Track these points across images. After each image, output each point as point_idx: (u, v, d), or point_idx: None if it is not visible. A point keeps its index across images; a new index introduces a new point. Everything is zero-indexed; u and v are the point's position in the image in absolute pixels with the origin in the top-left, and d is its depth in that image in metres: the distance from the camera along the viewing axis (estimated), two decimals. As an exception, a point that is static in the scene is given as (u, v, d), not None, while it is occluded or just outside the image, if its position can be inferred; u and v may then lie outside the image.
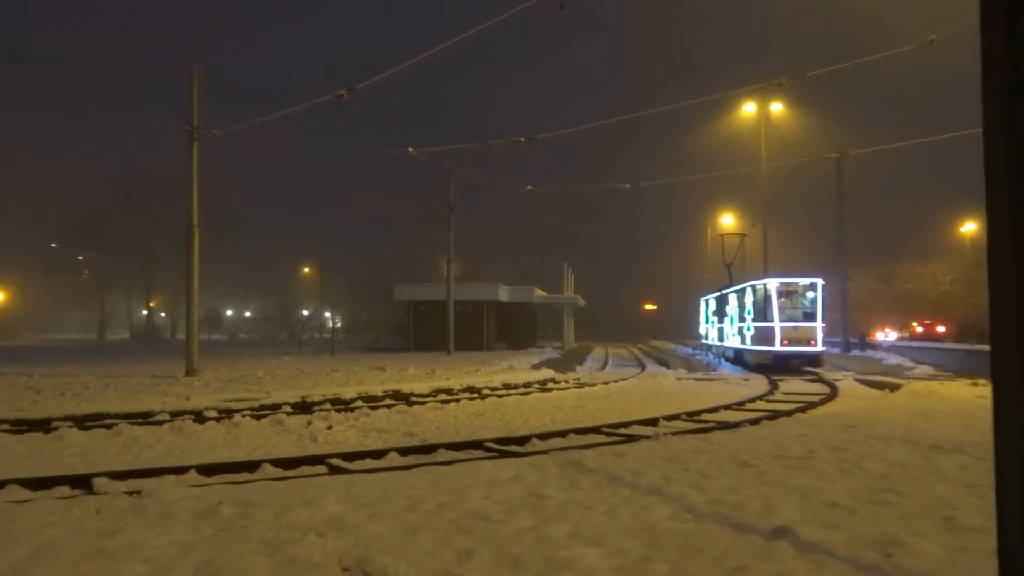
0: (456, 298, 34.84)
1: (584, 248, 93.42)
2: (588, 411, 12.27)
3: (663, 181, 37.06)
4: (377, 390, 14.58)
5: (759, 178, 37.18)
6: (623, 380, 19.22)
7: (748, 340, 24.71)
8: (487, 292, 40.14)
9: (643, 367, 26.56)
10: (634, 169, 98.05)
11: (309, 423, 10.73)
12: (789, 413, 11.37)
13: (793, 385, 17.38)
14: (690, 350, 38.05)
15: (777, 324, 22.32)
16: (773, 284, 22.77)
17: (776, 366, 22.05)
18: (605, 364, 29.92)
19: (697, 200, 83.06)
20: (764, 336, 22.86)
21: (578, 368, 26.08)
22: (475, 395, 14.81)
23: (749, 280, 25.49)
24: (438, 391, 15.30)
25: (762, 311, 23.18)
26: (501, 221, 78.26)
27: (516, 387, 17.05)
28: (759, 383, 18.14)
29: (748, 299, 24.91)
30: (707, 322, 35.80)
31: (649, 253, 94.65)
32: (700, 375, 21.16)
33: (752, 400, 13.66)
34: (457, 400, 13.75)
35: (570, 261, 52.62)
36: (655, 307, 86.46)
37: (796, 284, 22.97)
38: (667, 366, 26.16)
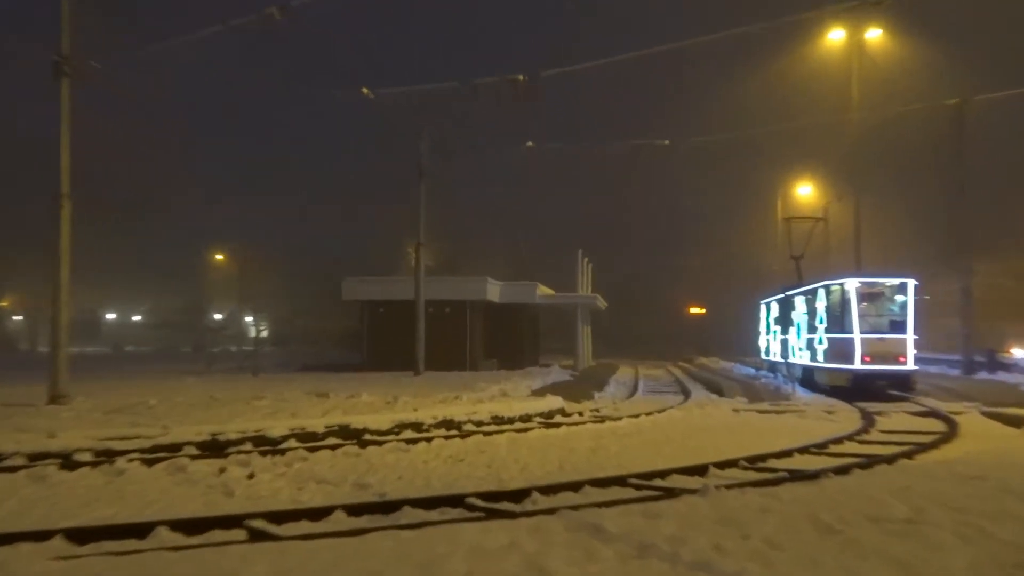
0: (428, 297, 34.88)
1: (606, 231, 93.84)
2: (610, 455, 12.30)
3: (713, 137, 37.04)
4: (318, 424, 14.56)
5: (847, 134, 37.29)
6: (659, 412, 19.27)
7: (819, 356, 25.46)
8: (472, 290, 40.15)
9: (687, 394, 26.66)
10: (674, 124, 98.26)
11: (223, 470, 10.71)
12: (889, 459, 11.42)
13: (895, 420, 17.44)
14: (752, 370, 38.22)
15: (857, 335, 23.12)
16: (852, 284, 23.58)
17: (855, 389, 22.70)
18: (634, 389, 29.96)
19: (761, 165, 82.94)
20: (840, 351, 23.68)
21: (597, 395, 26.12)
22: (454, 432, 14.84)
23: (821, 279, 26.22)
24: (402, 426, 15.30)
25: (838, 319, 24.04)
26: (492, 193, 78.55)
27: (511, 421, 17.06)
28: (847, 416, 18.20)
29: (820, 303, 25.66)
30: (768, 332, 36.88)
31: (695, 237, 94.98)
32: (766, 405, 21.27)
33: (838, 440, 13.74)
34: (429, 439, 13.76)
35: (587, 249, 52.76)
36: (703, 311, 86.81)
37: (881, 284, 23.76)
38: (720, 392, 26.25)
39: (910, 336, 23.07)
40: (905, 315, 23.21)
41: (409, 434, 14.53)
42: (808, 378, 26.76)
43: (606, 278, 66.16)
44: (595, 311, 54.69)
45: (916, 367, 23.58)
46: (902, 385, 22.87)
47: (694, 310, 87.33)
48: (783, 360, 31.61)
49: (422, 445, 13.11)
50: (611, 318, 74.17)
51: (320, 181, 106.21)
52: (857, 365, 22.91)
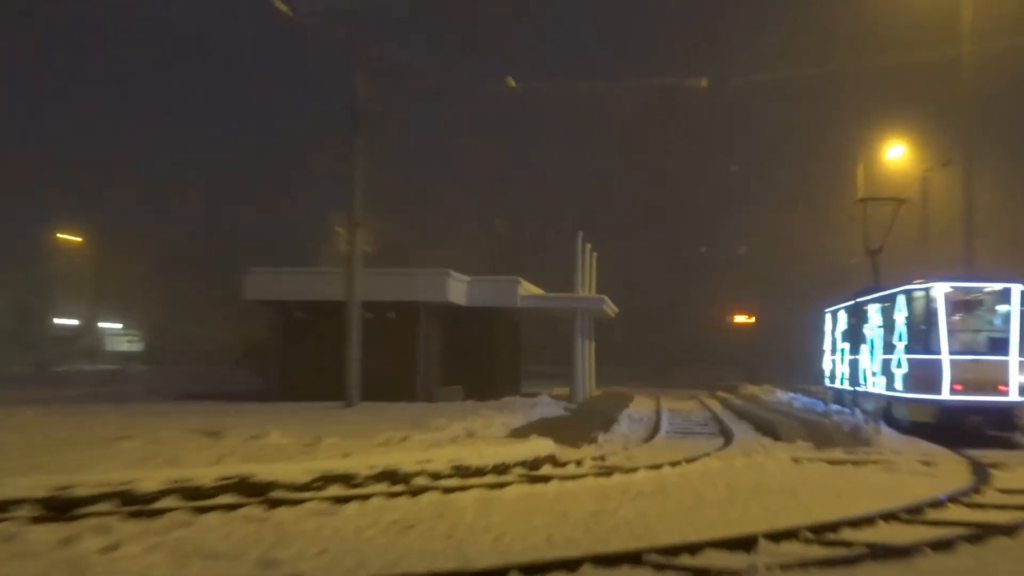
0: (367, 298, 34.94)
1: (618, 209, 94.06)
2: (620, 522, 12.30)
3: (767, 76, 37.22)
4: (206, 476, 14.44)
5: (955, 74, 37.43)
6: (689, 461, 19.25)
7: (898, 383, 26.32)
8: (427, 287, 40.00)
9: (728, 436, 26.76)
10: (716, 58, 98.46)
11: (71, 540, 10.60)
12: (1008, 529, 11.51)
13: (1019, 475, 17.59)
14: (819, 403, 38.45)
15: (945, 357, 23.99)
16: (940, 290, 24.53)
17: (942, 426, 23.56)
18: (655, 429, 29.96)
19: (835, 119, 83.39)
20: (923, 377, 24.60)
21: (602, 437, 26.08)
22: (399, 488, 14.81)
23: (904, 283, 27.13)
24: (327, 479, 15.19)
25: (921, 335, 25.01)
26: (459, 153, 78.39)
27: (480, 473, 17.00)
28: (952, 469, 18.32)
29: (899, 315, 26.56)
30: (834, 351, 37.91)
31: (742, 219, 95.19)
32: (839, 453, 21.39)
33: (939, 503, 13.84)
34: (364, 497, 13.72)
35: (590, 232, 52.75)
36: (751, 320, 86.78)
37: (978, 291, 24.83)
38: (774, 434, 26.30)
39: (1015, 358, 23.90)
40: (1007, 330, 24.07)
41: (337, 490, 14.44)
42: (885, 412, 27.53)
43: (618, 274, 66.21)
44: (602, 319, 54.66)
45: (1022, 399, 24.37)
46: (1003, 422, 23.83)
47: (739, 319, 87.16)
48: (852, 386, 32.54)
49: (355, 506, 13.06)
50: (624, 330, 74.45)
51: (215, 134, 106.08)
52: (945, 395, 23.76)
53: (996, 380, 23.72)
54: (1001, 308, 24.19)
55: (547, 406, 36.19)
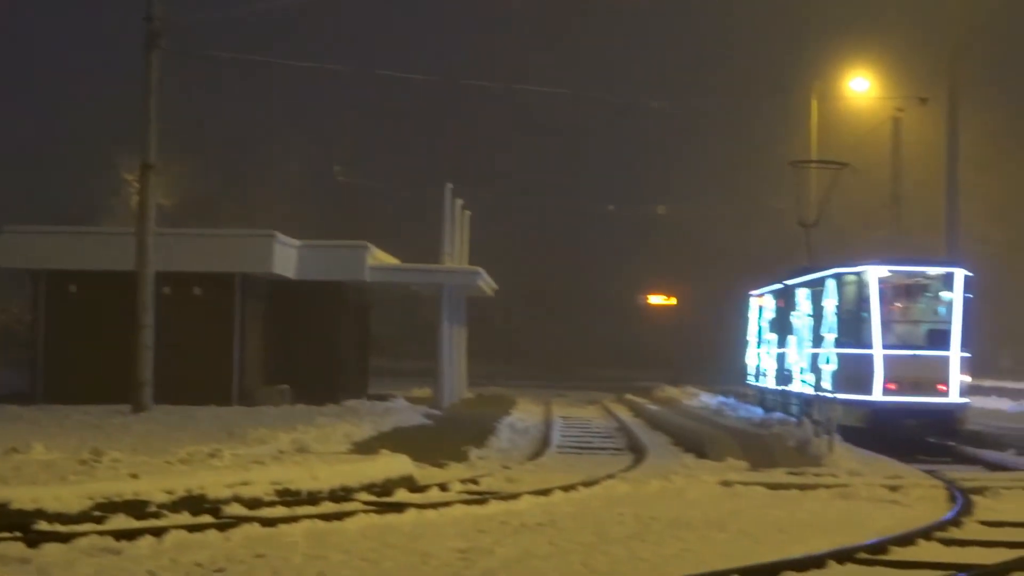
0: (165, 268, 34.75)
1: (497, 157, 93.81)
2: (496, 565, 12.32)
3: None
4: (-56, 504, 14.23)
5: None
6: (587, 485, 19.40)
7: (825, 380, 27.87)
8: (243, 254, 39.74)
9: (639, 452, 27.06)
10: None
11: None
12: (997, 574, 11.75)
13: (1007, 503, 17.97)
14: (758, 410, 39.05)
15: (878, 351, 25.68)
16: (873, 274, 26.22)
17: (875, 431, 25.20)
18: (544, 444, 30.23)
19: (785, 35, 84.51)
20: (853, 374, 26.37)
21: (475, 452, 26.14)
22: (206, 519, 14.73)
23: (837, 263, 29.06)
24: (110, 506, 15.02)
25: (852, 326, 26.78)
26: (284, 81, 77.43)
27: (314, 500, 17.01)
28: (924, 495, 18.72)
29: (828, 302, 28.24)
30: (760, 344, 40.07)
31: (662, 175, 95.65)
32: (780, 474, 21.77)
33: (906, 538, 14.04)
34: (159, 531, 13.58)
35: (462, 187, 52.70)
36: (673, 301, 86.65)
37: (918, 275, 27.02)
38: (700, 450, 26.66)
39: (955, 353, 25.66)
40: (950, 321, 25.85)
41: (122, 522, 14.27)
42: (810, 416, 28.38)
43: (499, 241, 66.53)
44: (477, 300, 54.87)
45: (965, 400, 26.44)
46: (943, 427, 25.88)
47: (657, 299, 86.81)
48: (776, 385, 34.68)
49: (147, 543, 12.90)
50: (506, 314, 74.62)
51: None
52: (877, 396, 25.46)
53: (935, 378, 25.50)
54: (943, 296, 25.95)
55: (404, 413, 36.28)
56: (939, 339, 26.03)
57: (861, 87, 52.34)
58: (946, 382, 25.60)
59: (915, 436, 25.87)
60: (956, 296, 26.08)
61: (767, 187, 69.04)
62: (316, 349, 43.06)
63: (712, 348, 70.03)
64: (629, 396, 55.47)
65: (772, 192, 66.22)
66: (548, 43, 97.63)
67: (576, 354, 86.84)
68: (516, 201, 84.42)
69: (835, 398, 26.03)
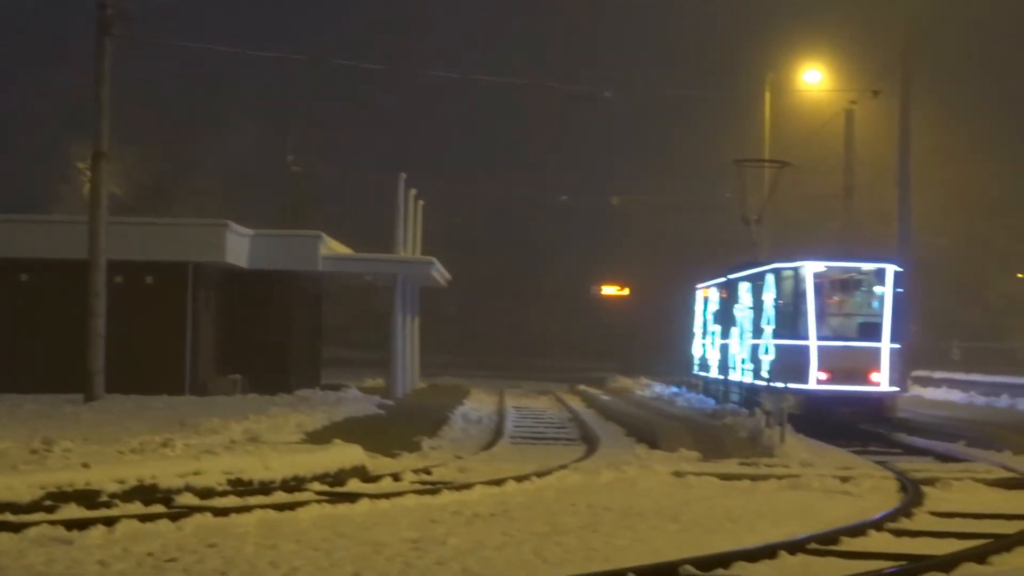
0: (116, 256, 34.58)
1: (451, 146, 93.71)
2: (448, 555, 12.32)
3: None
4: None
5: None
6: (540, 476, 19.44)
7: (764, 370, 30.38)
8: (198, 243, 39.57)
9: (591, 442, 27.23)
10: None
11: None
12: (945, 563, 11.76)
13: (958, 493, 18.14)
14: (711, 401, 39.29)
15: (813, 343, 27.77)
16: (809, 270, 28.36)
17: (810, 419, 26.56)
18: (497, 434, 30.34)
19: (740, 27, 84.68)
20: (790, 364, 28.41)
21: (428, 442, 26.15)
22: (158, 509, 14.71)
23: (771, 261, 31.40)
24: (61, 496, 14.99)
25: (788, 319, 29.00)
26: (238, 68, 77.23)
27: (267, 490, 17.02)
28: (875, 486, 18.93)
29: (767, 295, 30.43)
30: (704, 335, 42.44)
31: (614, 160, 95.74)
32: (733, 464, 21.93)
33: (857, 529, 14.16)
34: (110, 520, 13.51)
35: (415, 176, 52.58)
36: (626, 292, 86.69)
37: (852, 270, 29.45)
38: (652, 440, 26.73)
39: (886, 344, 27.74)
40: (882, 314, 27.94)
41: (74, 511, 14.24)
42: (751, 404, 30.75)
43: (451, 230, 66.35)
44: (429, 289, 54.75)
45: (895, 388, 28.50)
46: (874, 414, 28.02)
47: (610, 290, 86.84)
48: (719, 375, 37.11)
49: (98, 533, 12.85)
50: (459, 304, 74.59)
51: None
52: (811, 385, 27.31)
53: (866, 368, 27.46)
54: (876, 290, 28.01)
55: (356, 402, 36.25)
56: (871, 331, 28.01)
57: (814, 79, 52.65)
58: (876, 369, 27.60)
59: (848, 422, 27.73)
60: (887, 291, 27.85)
61: (721, 178, 69.09)
62: (269, 339, 42.99)
63: (664, 339, 70.19)
64: (582, 387, 55.62)
65: (726, 183, 66.28)
66: (503, 31, 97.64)
67: (529, 345, 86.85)
68: (469, 190, 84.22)
69: (773, 386, 28.57)
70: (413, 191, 51.51)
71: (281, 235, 44.50)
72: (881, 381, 27.78)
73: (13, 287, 38.80)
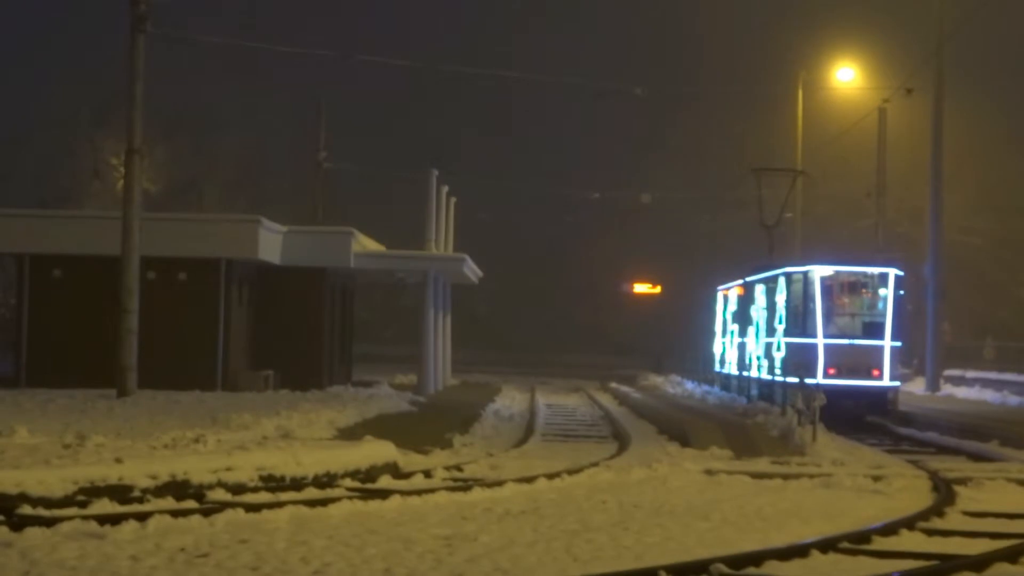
0: (149, 252, 34.47)
1: (483, 145, 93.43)
2: (480, 552, 12.33)
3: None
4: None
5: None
6: (571, 473, 19.39)
7: (777, 367, 32.44)
8: (229, 240, 39.61)
9: (622, 440, 27.15)
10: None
11: None
12: (977, 563, 11.75)
13: (990, 492, 18.07)
14: (742, 399, 39.24)
15: (820, 341, 29.77)
16: (817, 273, 30.46)
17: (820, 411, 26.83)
18: (528, 431, 30.29)
19: (774, 27, 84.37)
20: (799, 360, 30.11)
21: (459, 439, 26.23)
22: (190, 504, 14.70)
23: (785, 265, 33.36)
24: (93, 491, 15.00)
25: (798, 318, 31.13)
26: (270, 60, 77.26)
27: (298, 486, 17.00)
28: (907, 485, 18.84)
29: (780, 297, 32.53)
30: (724, 334, 44.81)
31: (646, 158, 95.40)
32: (764, 463, 21.85)
33: (889, 528, 14.11)
34: (142, 516, 13.53)
35: (448, 172, 52.54)
36: (657, 290, 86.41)
37: (858, 274, 31.41)
38: (684, 438, 26.68)
39: (888, 342, 29.85)
40: (885, 315, 30.05)
41: (106, 506, 14.24)
42: (767, 398, 32.97)
43: (483, 227, 66.27)
44: (461, 287, 54.72)
45: (896, 383, 30.68)
46: (877, 406, 29.92)
47: (642, 288, 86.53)
48: (739, 372, 39.21)
49: (130, 528, 12.88)
50: (490, 302, 74.50)
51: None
52: (819, 379, 28.06)
53: (869, 364, 29.52)
54: (880, 292, 30.00)
55: (388, 399, 36.21)
56: (874, 330, 30.19)
57: (847, 77, 52.70)
58: (880, 368, 29.77)
59: (853, 414, 29.04)
60: (890, 293, 30.02)
61: (750, 177, 68.89)
62: (300, 335, 42.93)
63: (693, 337, 70.06)
64: (613, 384, 55.58)
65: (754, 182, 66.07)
66: (534, 28, 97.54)
67: (560, 341, 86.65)
68: (501, 187, 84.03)
69: (784, 382, 30.27)
70: (445, 188, 51.52)
71: (313, 231, 44.51)
72: (883, 376, 29.88)
73: (46, 283, 38.88)
